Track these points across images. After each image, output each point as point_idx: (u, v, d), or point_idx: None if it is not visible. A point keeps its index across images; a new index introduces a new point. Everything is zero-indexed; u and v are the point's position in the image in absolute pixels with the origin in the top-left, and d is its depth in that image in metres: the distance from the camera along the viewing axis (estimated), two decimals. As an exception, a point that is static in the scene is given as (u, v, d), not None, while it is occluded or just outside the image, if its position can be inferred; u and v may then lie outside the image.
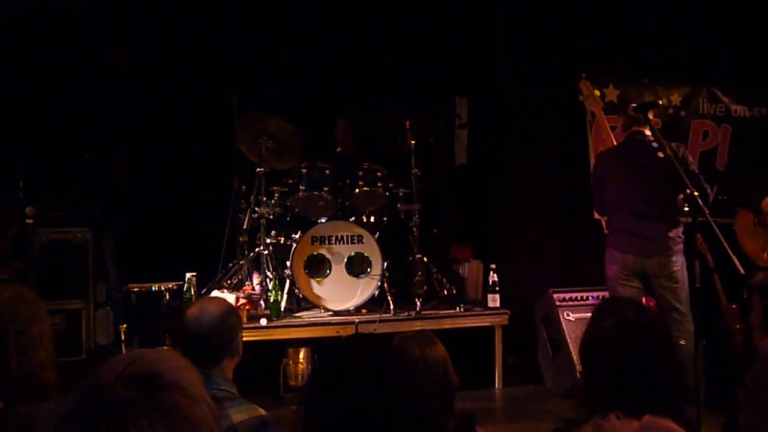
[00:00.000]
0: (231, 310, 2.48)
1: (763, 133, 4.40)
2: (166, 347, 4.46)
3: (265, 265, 5.35)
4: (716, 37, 5.66)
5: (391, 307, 5.10)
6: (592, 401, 1.94)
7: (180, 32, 6.16)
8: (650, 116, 4.16)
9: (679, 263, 4.20)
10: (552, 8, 5.54)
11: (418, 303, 5.16)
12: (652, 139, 4.07)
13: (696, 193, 3.54)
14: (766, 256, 4.26)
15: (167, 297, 4.87)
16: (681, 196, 4.00)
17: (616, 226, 4.38)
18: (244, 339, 2.58)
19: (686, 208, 3.69)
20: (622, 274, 4.28)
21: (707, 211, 3.46)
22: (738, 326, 4.62)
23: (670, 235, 4.21)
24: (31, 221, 4.96)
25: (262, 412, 2.23)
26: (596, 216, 4.87)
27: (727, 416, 2.79)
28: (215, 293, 4.85)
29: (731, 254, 3.34)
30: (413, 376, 1.45)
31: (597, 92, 4.72)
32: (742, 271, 3.32)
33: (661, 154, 4.03)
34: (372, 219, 5.68)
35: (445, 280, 5.68)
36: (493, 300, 5.22)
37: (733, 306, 4.82)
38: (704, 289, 4.01)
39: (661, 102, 5.18)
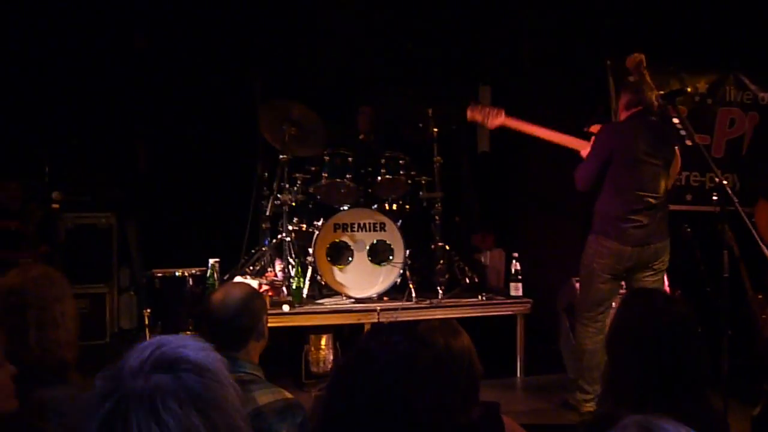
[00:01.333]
0: (255, 294, 2.52)
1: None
2: (189, 332, 4.50)
3: (287, 252, 5.37)
4: (743, 22, 5.55)
5: (413, 294, 5.10)
6: (619, 392, 1.92)
7: (204, 18, 6.17)
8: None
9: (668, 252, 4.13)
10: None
11: (440, 291, 5.16)
12: (680, 126, 3.99)
13: (725, 182, 3.49)
14: None
15: (191, 282, 4.90)
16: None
17: (617, 212, 4.09)
18: (267, 325, 2.59)
19: (714, 197, 3.63)
20: (611, 268, 4.09)
21: (736, 200, 3.41)
22: (765, 316, 4.56)
23: (665, 221, 4.12)
24: (57, 206, 5.01)
25: (289, 395, 2.26)
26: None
27: (760, 407, 2.76)
28: (238, 279, 4.88)
29: (761, 243, 3.29)
30: (438, 366, 1.45)
31: (485, 106, 4.57)
32: (771, 261, 3.27)
33: (689, 142, 3.96)
34: (394, 207, 5.68)
35: (467, 269, 5.67)
36: (516, 289, 5.20)
37: (760, 296, 4.76)
38: (731, 278, 3.95)
39: (688, 90, 5.09)
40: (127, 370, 0.98)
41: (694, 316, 2.00)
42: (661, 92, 3.99)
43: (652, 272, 4.07)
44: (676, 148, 4.06)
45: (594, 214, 4.24)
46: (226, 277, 5.07)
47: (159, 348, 1.01)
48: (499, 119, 4.51)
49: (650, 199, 4.04)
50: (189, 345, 1.03)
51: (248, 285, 2.71)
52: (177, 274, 4.93)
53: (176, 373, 0.97)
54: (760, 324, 4.59)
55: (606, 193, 4.17)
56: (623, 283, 4.21)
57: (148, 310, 4.84)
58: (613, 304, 4.12)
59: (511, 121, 4.50)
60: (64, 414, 1.78)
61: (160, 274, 4.93)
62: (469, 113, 4.63)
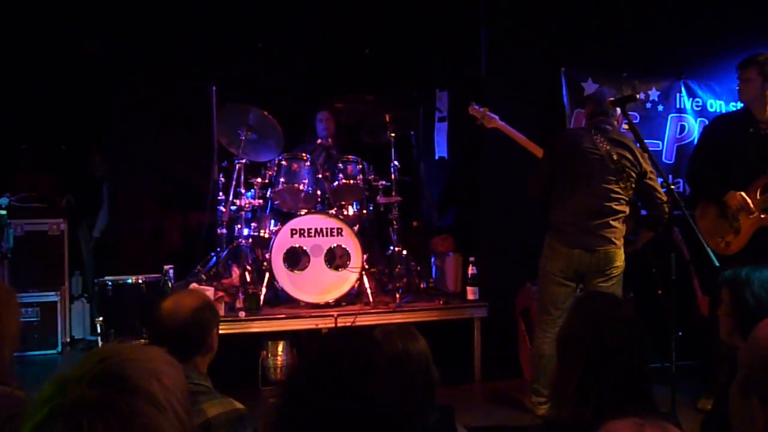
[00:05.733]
0: (206, 305, 2.41)
1: (735, 128, 4.44)
2: (143, 341, 4.42)
3: (244, 258, 5.33)
4: (693, 30, 5.70)
5: (371, 300, 5.10)
6: (564, 393, 1.95)
7: (158, 23, 6.09)
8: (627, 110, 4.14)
9: (622, 259, 4.17)
10: (532, 1, 5.55)
11: (398, 296, 5.17)
12: (629, 132, 4.07)
13: (673, 187, 3.57)
14: (723, 245, 4.31)
15: (144, 289, 4.83)
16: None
17: (566, 217, 4.18)
18: (223, 332, 2.55)
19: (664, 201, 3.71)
20: (562, 271, 4.17)
21: (683, 204, 3.49)
22: (719, 315, 4.68)
23: (618, 226, 4.14)
24: (4, 212, 4.88)
25: (238, 405, 2.20)
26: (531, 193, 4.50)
27: (713, 401, 2.83)
28: (193, 285, 4.82)
29: (707, 246, 3.38)
30: (395, 368, 1.45)
31: (485, 109, 4.68)
32: (717, 264, 3.36)
33: (638, 148, 4.05)
34: (352, 211, 5.69)
35: (424, 273, 5.69)
36: (472, 293, 5.23)
37: (708, 298, 4.88)
38: (680, 281, 4.04)
39: (637, 97, 5.20)
40: (69, 380, 0.95)
41: (637, 319, 2.03)
42: (611, 99, 4.06)
43: (605, 277, 4.13)
44: (642, 155, 4.10)
45: (548, 218, 4.32)
46: (179, 284, 5.00)
47: (103, 361, 0.98)
48: (493, 122, 4.64)
49: (600, 205, 4.11)
50: (137, 360, 1.00)
51: (201, 294, 2.60)
52: (130, 281, 4.85)
53: (110, 392, 0.94)
54: (710, 324, 4.71)
55: (557, 198, 4.27)
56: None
57: (101, 318, 4.75)
58: None
59: (503, 126, 4.63)
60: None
61: (111, 281, 4.85)
62: (470, 110, 4.73)
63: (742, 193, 4.21)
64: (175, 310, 2.30)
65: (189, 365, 2.25)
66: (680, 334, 3.74)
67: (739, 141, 4.33)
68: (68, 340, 6.21)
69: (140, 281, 4.87)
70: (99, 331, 4.68)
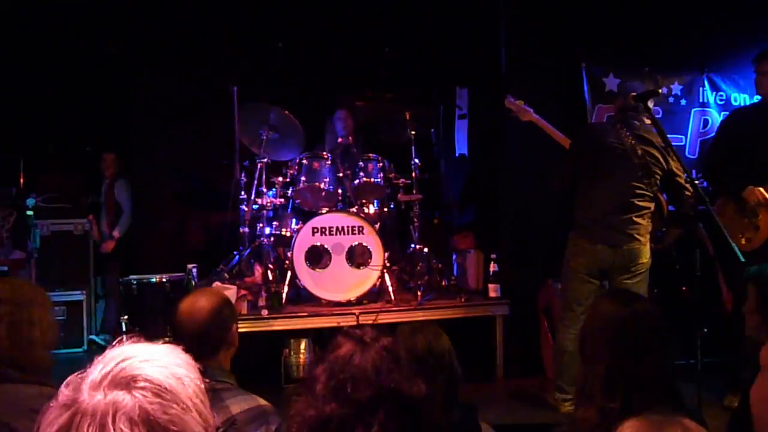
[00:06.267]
0: (223, 302, 2.45)
1: (753, 121, 4.38)
2: (166, 339, 4.46)
3: (266, 256, 5.36)
4: (716, 23, 5.63)
5: (392, 297, 5.10)
6: (587, 393, 1.94)
7: (179, 23, 6.13)
8: (650, 105, 4.10)
9: (647, 256, 4.12)
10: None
11: (419, 294, 5.17)
12: (653, 127, 4.03)
13: (697, 182, 3.53)
14: (744, 241, 4.25)
15: (168, 288, 4.87)
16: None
17: (591, 213, 4.16)
18: (245, 330, 2.57)
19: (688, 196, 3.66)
20: (586, 267, 4.14)
21: (707, 200, 3.45)
22: (744, 313, 4.62)
23: (642, 223, 4.09)
24: (31, 212, 4.95)
25: (263, 402, 2.22)
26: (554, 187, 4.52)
27: (739, 399, 2.80)
28: (216, 284, 4.85)
29: (732, 242, 3.34)
30: (420, 365, 1.45)
31: (521, 102, 4.64)
32: (743, 259, 3.31)
33: (661, 143, 4.00)
34: (373, 210, 5.69)
35: (446, 271, 5.68)
36: (494, 290, 5.22)
37: (733, 294, 4.82)
38: (704, 277, 4.00)
39: (660, 92, 5.15)
40: (88, 382, 0.96)
41: (659, 315, 2.02)
42: (634, 93, 4.02)
43: (629, 274, 4.09)
44: (670, 154, 4.05)
45: (573, 214, 4.30)
46: (202, 282, 5.04)
47: (123, 361, 0.99)
48: (528, 115, 4.59)
49: (624, 201, 4.07)
50: (154, 360, 1.01)
51: (217, 292, 2.63)
52: (154, 280, 4.89)
53: (134, 392, 0.95)
54: (735, 320, 4.65)
55: (582, 194, 4.24)
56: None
57: (125, 317, 4.80)
58: None
59: (537, 120, 4.58)
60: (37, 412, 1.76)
61: (136, 281, 4.89)
62: (506, 102, 4.70)
63: (761, 189, 4.15)
64: (193, 310, 2.34)
65: (213, 362, 2.28)
66: (705, 330, 3.70)
67: (758, 134, 4.26)
68: (93, 338, 6.29)
69: (164, 280, 4.91)
70: (124, 329, 4.73)
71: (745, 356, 3.89)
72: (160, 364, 1.01)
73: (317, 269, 5.09)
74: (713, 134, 5.69)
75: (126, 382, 0.96)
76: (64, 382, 0.98)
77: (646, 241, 4.13)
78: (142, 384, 0.96)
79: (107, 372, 0.97)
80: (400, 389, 1.34)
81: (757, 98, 4.67)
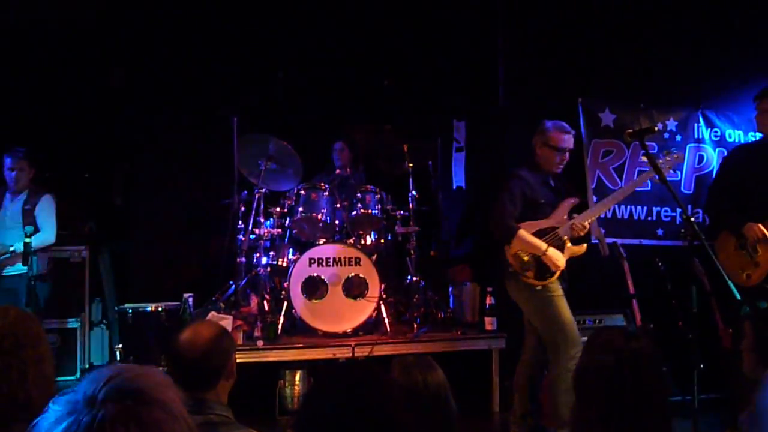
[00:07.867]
0: (223, 333, 2.45)
1: (754, 159, 4.44)
2: (161, 368, 4.44)
3: (262, 286, 5.35)
4: (711, 61, 5.70)
5: (388, 329, 5.09)
6: (582, 430, 1.93)
7: (180, 54, 6.20)
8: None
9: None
10: (549, 33, 5.59)
11: (415, 326, 5.16)
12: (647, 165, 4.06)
13: (692, 218, 3.55)
14: (744, 277, 4.28)
15: (163, 317, 4.85)
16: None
17: None
18: (241, 360, 2.56)
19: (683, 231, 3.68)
20: None
21: (703, 236, 3.46)
22: (740, 349, 4.61)
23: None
24: (30, 240, 4.94)
25: (258, 436, 2.21)
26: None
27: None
28: (212, 314, 4.84)
29: (727, 279, 3.34)
30: (415, 400, 1.44)
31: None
32: (738, 297, 3.32)
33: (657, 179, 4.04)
34: (370, 241, 5.70)
35: (442, 303, 5.67)
36: (490, 323, 5.20)
37: (730, 330, 4.81)
38: (701, 312, 4.00)
39: (656, 129, 5.20)
40: (82, 396, 0.97)
41: (655, 352, 2.02)
42: (630, 131, 4.05)
43: None
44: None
45: None
46: (198, 312, 5.02)
47: (115, 377, 1.00)
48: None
49: None
50: (145, 375, 1.03)
51: (217, 324, 2.63)
52: (149, 308, 4.87)
53: (128, 404, 0.97)
54: (732, 356, 4.64)
55: None
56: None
57: (120, 346, 4.77)
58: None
59: None
60: None
61: (131, 309, 4.88)
62: None
63: (760, 225, 4.18)
64: (194, 340, 2.33)
65: (211, 394, 2.27)
66: (702, 366, 3.69)
67: (758, 172, 4.31)
68: (87, 366, 6.23)
69: (159, 309, 4.90)
70: (118, 358, 4.70)
71: (742, 393, 3.88)
72: (151, 378, 1.03)
73: (313, 300, 5.09)
74: (708, 170, 5.75)
75: (120, 394, 0.97)
76: (53, 400, 0.99)
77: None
78: (135, 396, 0.98)
79: (100, 386, 0.98)
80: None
81: (758, 135, 4.72)
